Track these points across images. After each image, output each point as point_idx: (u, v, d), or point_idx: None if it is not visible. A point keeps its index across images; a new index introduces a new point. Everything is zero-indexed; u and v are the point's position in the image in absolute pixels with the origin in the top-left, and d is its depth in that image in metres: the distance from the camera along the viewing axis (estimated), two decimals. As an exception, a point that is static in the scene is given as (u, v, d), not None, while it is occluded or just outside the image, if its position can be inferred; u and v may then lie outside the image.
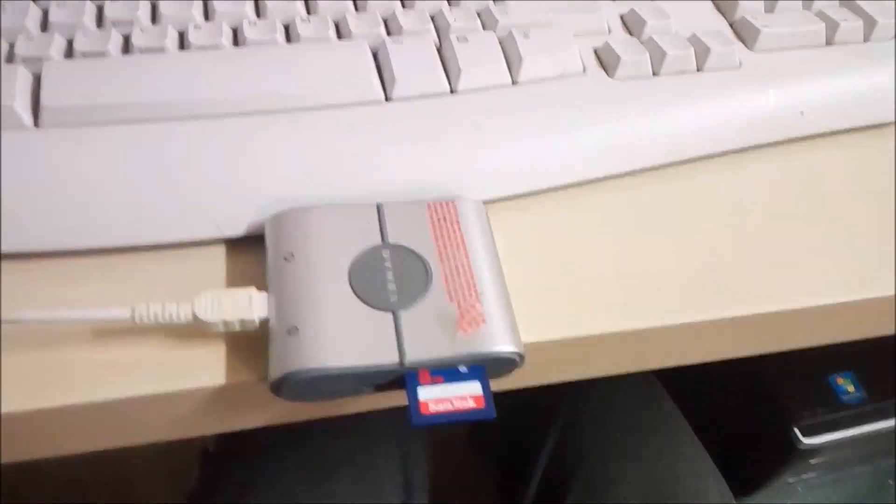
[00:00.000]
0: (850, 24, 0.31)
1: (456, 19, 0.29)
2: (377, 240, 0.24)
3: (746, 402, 0.54)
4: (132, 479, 0.82)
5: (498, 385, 0.24)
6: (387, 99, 0.27)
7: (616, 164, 0.28)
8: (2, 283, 0.23)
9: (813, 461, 0.52)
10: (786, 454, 0.49)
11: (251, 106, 0.26)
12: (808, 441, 0.47)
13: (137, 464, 0.82)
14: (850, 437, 0.49)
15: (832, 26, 0.31)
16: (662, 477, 0.44)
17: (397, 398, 0.23)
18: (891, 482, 0.62)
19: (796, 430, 0.48)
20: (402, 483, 0.43)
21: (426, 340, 0.22)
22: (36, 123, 0.25)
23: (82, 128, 0.25)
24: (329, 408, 0.25)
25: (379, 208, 0.25)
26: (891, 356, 0.53)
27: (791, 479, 0.55)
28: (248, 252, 0.25)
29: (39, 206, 0.24)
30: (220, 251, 0.25)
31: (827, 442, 0.48)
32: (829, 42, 0.31)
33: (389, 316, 0.22)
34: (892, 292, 0.26)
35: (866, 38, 0.31)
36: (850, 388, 0.50)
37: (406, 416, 0.21)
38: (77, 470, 0.81)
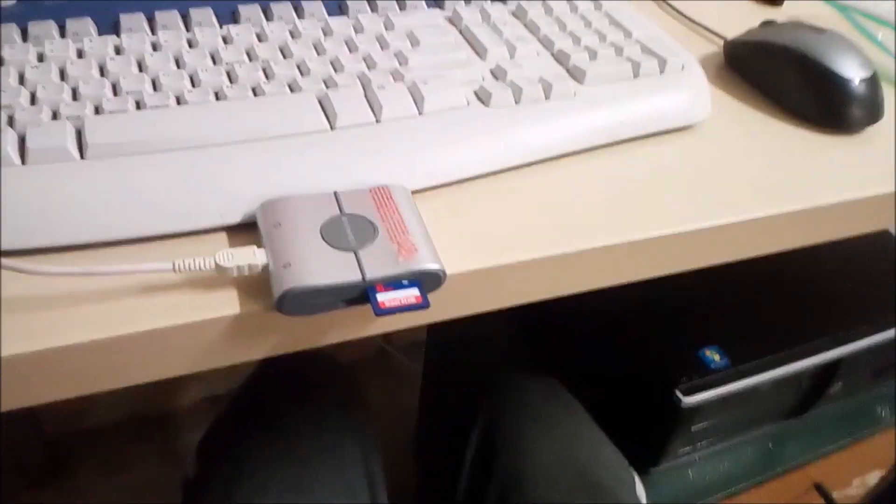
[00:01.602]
0: (649, 63, 0.44)
1: (375, 77, 0.41)
2: (337, 212, 0.34)
3: (631, 379, 0.65)
4: None
5: (440, 313, 0.34)
6: (332, 128, 0.38)
7: (495, 163, 0.40)
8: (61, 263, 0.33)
9: (697, 424, 0.63)
10: (671, 416, 0.60)
11: (238, 137, 0.36)
12: (687, 400, 0.59)
13: None
14: (724, 394, 0.60)
15: (636, 66, 0.44)
16: (568, 444, 0.55)
17: (364, 318, 0.33)
18: (770, 446, 0.73)
19: (677, 392, 0.59)
20: (363, 471, 0.52)
21: (378, 266, 0.32)
22: (82, 156, 0.35)
23: (118, 157, 0.35)
24: (318, 334, 0.34)
25: (336, 194, 0.35)
26: (749, 328, 0.66)
27: (684, 449, 0.66)
28: (243, 235, 0.35)
29: (88, 210, 0.33)
30: (223, 236, 0.35)
31: (704, 400, 0.59)
32: (635, 76, 0.44)
33: (351, 254, 0.33)
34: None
35: (661, 72, 0.45)
36: (717, 357, 0.62)
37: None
38: None
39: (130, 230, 0.34)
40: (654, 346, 0.64)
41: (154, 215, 0.34)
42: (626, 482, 0.59)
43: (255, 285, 0.33)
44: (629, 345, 0.66)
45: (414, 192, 0.37)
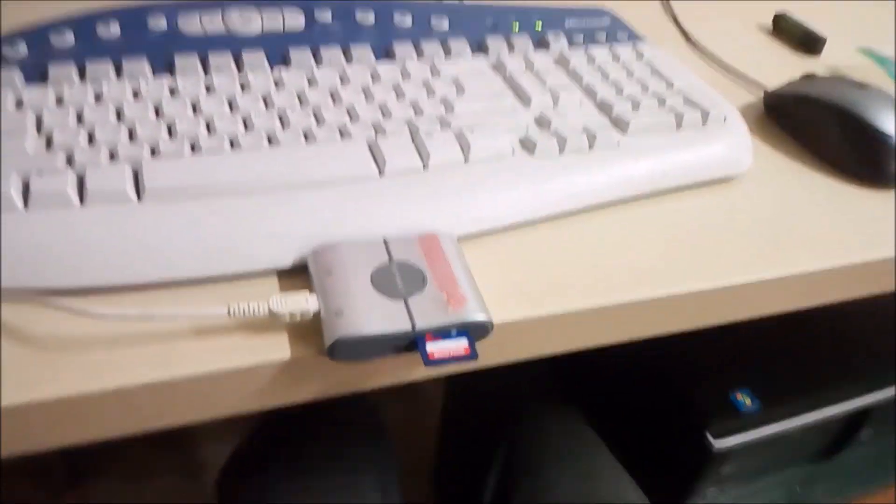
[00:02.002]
0: (692, 115, 0.45)
1: (422, 123, 0.41)
2: (386, 259, 0.35)
3: (660, 418, 0.65)
4: None
5: (484, 360, 0.35)
6: (381, 174, 0.39)
7: (539, 211, 0.40)
8: (117, 304, 0.34)
9: (725, 468, 0.62)
10: (701, 458, 0.60)
11: (290, 182, 0.37)
12: (719, 443, 0.59)
13: None
14: (755, 438, 0.60)
15: (679, 117, 0.45)
16: (589, 480, 0.55)
17: (410, 363, 0.34)
18: (798, 488, 0.73)
19: (708, 435, 0.59)
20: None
21: (428, 315, 0.33)
22: (139, 199, 0.36)
23: (174, 201, 0.36)
24: (365, 379, 0.35)
25: (385, 241, 0.36)
26: (780, 371, 0.66)
27: (711, 490, 0.66)
28: (294, 279, 0.36)
29: (144, 252, 0.34)
30: (273, 280, 0.36)
31: (735, 444, 0.59)
32: (678, 127, 0.45)
33: (401, 302, 0.33)
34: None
35: (703, 123, 0.45)
36: (748, 401, 0.62)
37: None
38: None
39: (183, 272, 0.35)
40: (685, 387, 0.64)
41: (207, 257, 0.35)
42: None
43: (306, 330, 0.33)
44: (659, 383, 0.66)
45: (459, 239, 0.38)
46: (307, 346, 0.33)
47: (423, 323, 0.32)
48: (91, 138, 0.38)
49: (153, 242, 0.35)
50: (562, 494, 0.55)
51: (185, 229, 0.35)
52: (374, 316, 0.32)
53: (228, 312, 0.32)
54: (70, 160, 0.37)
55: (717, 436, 0.60)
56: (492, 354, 0.37)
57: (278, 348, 0.33)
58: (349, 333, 0.31)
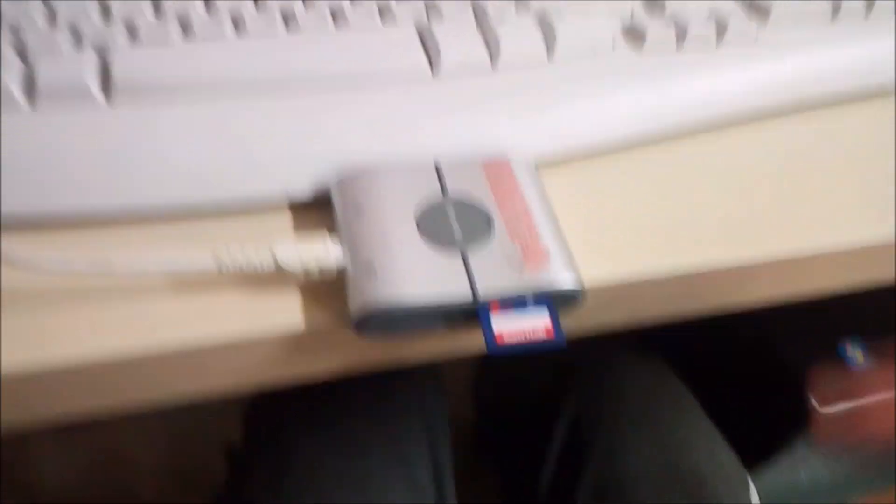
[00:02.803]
0: (852, 4, 0.33)
1: (492, 7, 0.31)
2: (438, 194, 0.25)
3: (756, 376, 0.55)
4: (141, 477, 0.80)
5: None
6: (433, 74, 0.29)
7: (645, 128, 0.30)
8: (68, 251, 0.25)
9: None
10: (802, 419, 0.50)
11: (311, 82, 0.27)
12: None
13: (145, 462, 0.81)
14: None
15: (836, 6, 0.33)
16: (677, 449, 0.45)
17: (466, 340, 0.24)
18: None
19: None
20: (430, 462, 0.44)
21: (494, 277, 0.23)
22: (107, 100, 0.26)
23: (152, 106, 0.26)
24: (399, 351, 0.26)
25: (437, 167, 0.26)
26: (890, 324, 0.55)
27: (802, 452, 0.57)
28: (313, 216, 0.26)
29: (111, 171, 0.25)
30: (285, 215, 0.26)
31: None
32: (833, 18, 0.33)
33: (458, 256, 0.24)
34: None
35: (866, 16, 0.34)
36: (859, 356, 0.52)
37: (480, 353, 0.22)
38: (82, 471, 0.80)
39: (160, 199, 0.26)
40: (783, 337, 0.54)
41: (194, 181, 0.26)
42: (742, 494, 0.49)
43: (323, 288, 0.24)
44: (753, 334, 0.56)
45: (538, 165, 0.28)
46: (323, 310, 0.24)
47: (488, 288, 0.23)
48: (51, 17, 0.29)
49: (123, 159, 0.25)
50: (645, 463, 0.45)
51: (166, 141, 0.26)
52: (420, 277, 0.23)
53: (219, 267, 0.23)
54: (20, 49, 0.27)
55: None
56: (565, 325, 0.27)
57: (284, 315, 0.24)
58: (384, 303, 0.22)
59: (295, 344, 0.24)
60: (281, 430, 0.45)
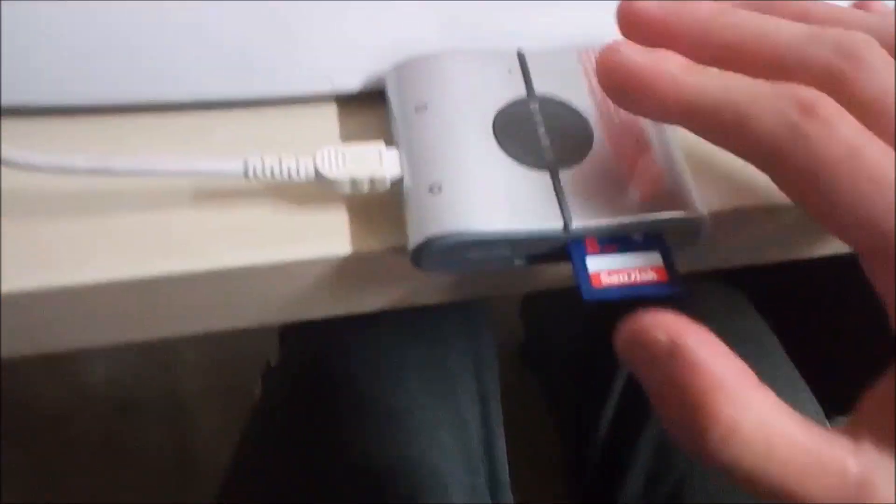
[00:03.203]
0: None
1: None
2: (522, 92, 0.20)
3: (844, 316, 0.50)
4: (185, 397, 0.79)
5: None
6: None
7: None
8: (85, 141, 0.20)
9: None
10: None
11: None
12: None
13: (189, 382, 0.80)
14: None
15: None
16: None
17: (551, 271, 0.20)
18: None
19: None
20: (475, 390, 0.40)
21: (593, 203, 0.18)
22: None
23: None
24: (466, 288, 0.21)
25: (521, 56, 0.21)
26: None
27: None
28: (364, 113, 0.21)
29: (117, 49, 0.20)
30: (332, 110, 0.21)
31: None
32: None
33: (546, 175, 0.18)
34: None
35: None
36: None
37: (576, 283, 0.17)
38: (127, 389, 0.79)
39: (177, 90, 0.21)
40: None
41: (218, 65, 0.21)
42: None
43: (377, 202, 0.19)
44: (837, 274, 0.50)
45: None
46: (373, 232, 0.19)
47: (584, 217, 0.18)
48: None
49: (130, 41, 0.20)
50: None
51: (179, 14, 0.21)
52: (497, 198, 0.18)
53: (246, 173, 0.18)
54: None
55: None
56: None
57: (324, 236, 0.19)
58: (450, 229, 0.17)
59: (337, 272, 0.19)
60: (318, 352, 0.41)
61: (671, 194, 0.19)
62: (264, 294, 0.20)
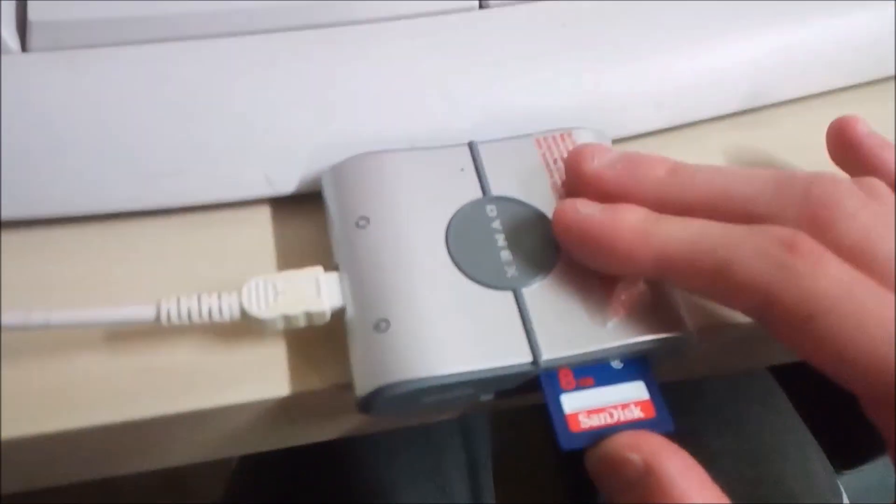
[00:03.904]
0: None
1: None
2: (476, 192, 0.18)
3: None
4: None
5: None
6: (481, 5, 0.20)
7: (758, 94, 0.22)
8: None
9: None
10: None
11: (301, 17, 0.19)
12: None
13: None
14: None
15: None
16: (764, 450, 0.38)
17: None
18: None
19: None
20: (465, 461, 0.38)
21: (565, 328, 0.16)
22: (23, 46, 0.19)
23: (80, 50, 0.19)
24: (425, 415, 0.19)
25: (472, 148, 0.18)
26: None
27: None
28: (301, 215, 0.19)
29: (33, 155, 0.18)
30: (264, 213, 0.19)
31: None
32: None
33: (509, 296, 0.16)
34: None
35: None
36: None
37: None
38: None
39: (99, 199, 0.18)
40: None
41: (142, 169, 0.18)
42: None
43: (317, 332, 0.17)
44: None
45: (614, 142, 0.20)
46: (310, 368, 0.17)
47: (553, 348, 0.16)
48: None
49: (40, 130, 0.18)
50: (723, 477, 0.38)
51: (98, 104, 0.18)
52: (455, 333, 0.16)
53: (159, 318, 0.15)
54: None
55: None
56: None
57: (262, 375, 0.17)
58: (404, 377, 0.15)
59: (275, 412, 0.17)
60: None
61: (652, 311, 0.16)
62: (192, 437, 0.17)
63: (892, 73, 0.23)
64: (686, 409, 0.40)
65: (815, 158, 0.19)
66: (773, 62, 0.21)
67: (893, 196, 0.16)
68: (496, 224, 0.17)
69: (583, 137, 0.19)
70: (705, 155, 0.21)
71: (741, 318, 0.18)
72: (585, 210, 0.16)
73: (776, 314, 0.14)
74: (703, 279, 0.15)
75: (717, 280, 0.15)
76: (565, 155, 0.18)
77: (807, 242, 0.14)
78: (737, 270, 0.14)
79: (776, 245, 0.14)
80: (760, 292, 0.14)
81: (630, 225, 0.15)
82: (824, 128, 0.19)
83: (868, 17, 0.22)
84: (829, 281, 0.14)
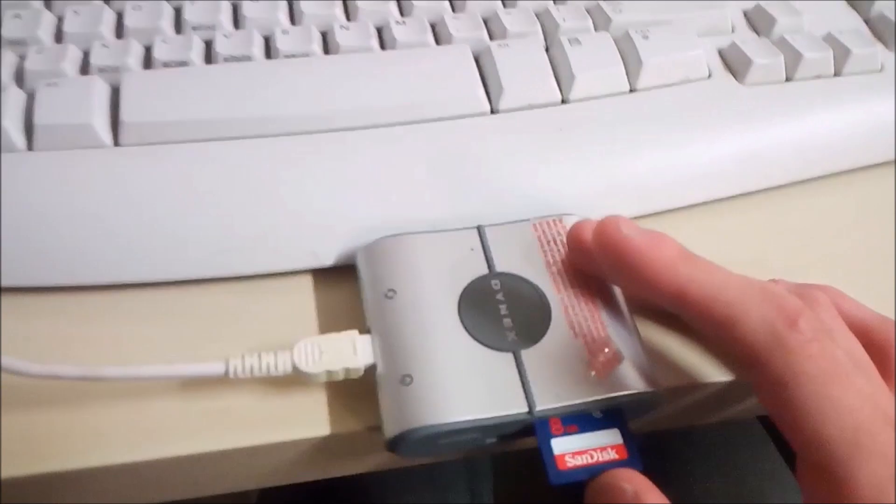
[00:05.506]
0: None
1: (565, 19, 0.26)
2: (483, 268, 0.21)
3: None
4: None
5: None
6: (492, 111, 0.24)
7: (748, 180, 0.25)
8: (80, 324, 0.21)
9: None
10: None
11: (342, 121, 0.23)
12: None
13: None
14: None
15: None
16: (751, 494, 0.41)
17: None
18: None
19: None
20: (468, 499, 0.41)
21: (555, 384, 0.19)
22: (116, 142, 0.23)
23: (163, 146, 0.23)
24: (440, 455, 0.22)
25: (480, 231, 0.22)
26: None
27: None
28: (338, 283, 0.22)
29: (117, 232, 0.22)
30: (307, 283, 0.23)
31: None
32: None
33: (510, 357, 0.20)
34: None
35: None
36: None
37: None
38: None
39: (169, 269, 0.22)
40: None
41: (206, 245, 0.22)
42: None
43: (353, 383, 0.20)
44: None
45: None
46: (348, 413, 0.20)
47: (545, 400, 0.19)
48: (59, 33, 0.25)
49: (125, 222, 0.22)
50: None
51: (175, 193, 0.22)
52: (465, 386, 0.19)
53: (228, 372, 0.19)
54: (20, 72, 0.24)
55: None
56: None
57: (308, 419, 0.20)
58: (423, 423, 0.18)
59: (317, 449, 0.20)
60: None
61: (626, 371, 0.20)
62: (249, 468, 0.21)
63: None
64: (678, 453, 0.43)
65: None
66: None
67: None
68: (500, 296, 0.21)
69: (572, 222, 0.22)
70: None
71: (711, 377, 0.21)
72: (627, 230, 0.18)
73: (759, 379, 0.17)
74: (710, 325, 0.17)
75: (722, 330, 0.17)
76: (557, 237, 0.22)
77: (808, 321, 0.16)
78: (741, 329, 0.16)
79: (779, 316, 0.16)
80: (752, 354, 0.16)
81: (663, 256, 0.17)
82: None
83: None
84: (815, 362, 0.16)
